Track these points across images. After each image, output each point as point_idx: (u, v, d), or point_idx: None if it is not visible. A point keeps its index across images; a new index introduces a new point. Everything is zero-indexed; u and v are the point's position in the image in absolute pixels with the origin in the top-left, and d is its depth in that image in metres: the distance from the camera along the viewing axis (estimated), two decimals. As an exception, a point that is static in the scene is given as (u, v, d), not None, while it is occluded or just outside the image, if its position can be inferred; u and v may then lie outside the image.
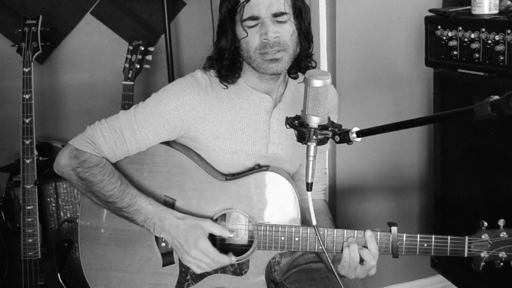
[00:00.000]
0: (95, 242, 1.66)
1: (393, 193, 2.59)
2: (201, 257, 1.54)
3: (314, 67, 1.72)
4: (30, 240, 2.24)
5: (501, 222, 1.48)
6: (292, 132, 1.68)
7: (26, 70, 2.25)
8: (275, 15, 1.55)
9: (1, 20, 2.50)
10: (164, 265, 1.64)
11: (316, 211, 1.78)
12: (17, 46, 2.30)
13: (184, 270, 1.63)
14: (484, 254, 1.48)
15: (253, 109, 1.67)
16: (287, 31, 1.57)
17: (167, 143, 1.66)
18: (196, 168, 1.62)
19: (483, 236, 1.48)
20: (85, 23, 2.59)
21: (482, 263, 1.48)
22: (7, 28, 2.49)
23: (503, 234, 1.47)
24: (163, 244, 1.64)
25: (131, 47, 2.40)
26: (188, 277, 1.63)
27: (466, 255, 1.49)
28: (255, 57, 1.58)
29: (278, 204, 1.59)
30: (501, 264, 1.48)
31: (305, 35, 1.64)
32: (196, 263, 1.55)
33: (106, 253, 1.66)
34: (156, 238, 1.64)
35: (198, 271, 1.57)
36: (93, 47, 2.61)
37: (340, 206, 2.51)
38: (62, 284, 2.28)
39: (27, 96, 2.23)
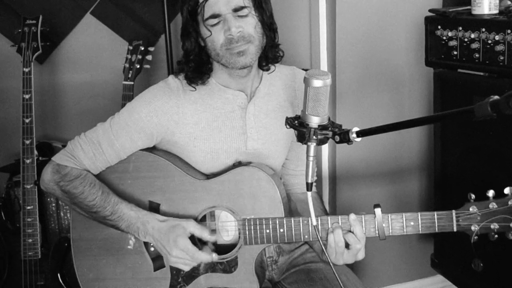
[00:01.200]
0: (87, 253, 1.68)
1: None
2: (182, 255, 1.55)
3: (282, 56, 1.73)
4: (30, 240, 2.24)
5: (490, 193, 1.42)
6: (271, 127, 1.70)
7: (26, 70, 2.25)
8: (235, 10, 1.56)
9: (1, 20, 2.50)
10: (155, 269, 1.65)
11: (306, 203, 1.79)
12: (17, 46, 2.30)
13: (176, 272, 1.64)
14: (474, 227, 1.43)
15: (227, 107, 1.68)
16: (249, 24, 1.58)
17: (148, 149, 1.68)
18: (177, 170, 1.63)
19: (470, 209, 1.43)
20: (85, 23, 2.59)
21: (475, 237, 1.43)
22: (7, 28, 2.48)
23: (493, 205, 1.41)
24: (152, 249, 1.65)
25: (131, 47, 2.40)
26: (180, 279, 1.64)
27: (455, 229, 1.45)
28: (222, 53, 1.59)
29: (260, 197, 1.59)
30: (495, 236, 1.43)
31: (268, 26, 1.64)
32: (179, 262, 1.57)
33: (99, 263, 1.68)
34: (145, 244, 1.65)
35: (186, 268, 1.59)
36: (93, 47, 2.61)
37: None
38: (62, 284, 2.28)
39: (27, 96, 2.23)
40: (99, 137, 1.64)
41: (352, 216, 1.52)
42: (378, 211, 1.50)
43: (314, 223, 1.42)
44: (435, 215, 1.47)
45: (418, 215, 1.48)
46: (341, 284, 1.44)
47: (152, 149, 1.69)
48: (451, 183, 2.18)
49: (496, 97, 1.15)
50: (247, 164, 1.65)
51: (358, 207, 2.48)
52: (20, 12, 2.45)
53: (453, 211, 1.45)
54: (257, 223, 1.57)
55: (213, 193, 1.61)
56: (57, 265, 2.28)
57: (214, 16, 1.57)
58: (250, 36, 1.58)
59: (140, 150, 1.67)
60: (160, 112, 1.62)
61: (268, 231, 1.56)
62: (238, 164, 1.67)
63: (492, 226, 1.42)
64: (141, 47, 2.39)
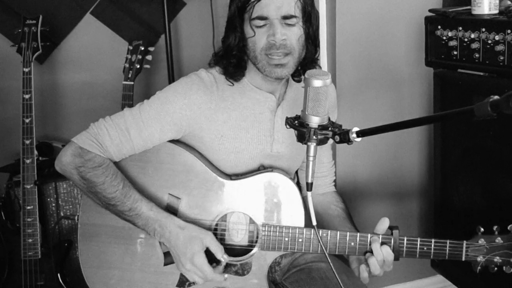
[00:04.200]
0: (94, 239, 1.65)
1: (393, 197, 2.59)
2: (195, 270, 1.54)
3: None
4: (30, 240, 2.24)
5: (495, 228, 1.52)
6: None
7: (26, 70, 2.25)
8: (285, 17, 1.55)
9: (1, 20, 2.50)
10: (165, 264, 1.63)
11: (327, 203, 1.80)
12: (17, 46, 2.30)
13: None
14: (480, 259, 1.53)
15: (258, 109, 1.67)
16: (294, 35, 1.57)
17: (173, 141, 1.66)
18: (202, 167, 1.62)
19: (480, 241, 1.52)
20: (85, 23, 2.59)
21: (479, 267, 1.53)
22: (7, 28, 2.49)
23: (498, 240, 1.52)
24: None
25: (131, 47, 2.40)
26: None
27: (463, 259, 1.54)
28: (260, 58, 1.58)
29: (282, 205, 1.59)
30: (495, 268, 1.53)
31: (312, 40, 1.64)
32: (189, 274, 1.57)
33: (106, 250, 1.64)
34: None
35: (191, 280, 1.59)
36: (93, 47, 2.61)
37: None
38: (62, 284, 2.28)
39: (27, 96, 2.23)
40: (127, 123, 1.58)
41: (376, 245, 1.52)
42: (396, 233, 1.53)
43: (315, 223, 1.42)
44: (448, 243, 1.53)
45: (432, 242, 1.53)
46: (341, 284, 1.44)
47: (177, 143, 1.66)
48: (451, 183, 2.18)
49: (496, 97, 1.15)
50: (272, 169, 1.64)
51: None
52: (20, 12, 2.45)
53: (464, 242, 1.53)
54: (277, 230, 1.56)
55: (235, 195, 1.61)
56: (57, 265, 2.28)
57: (262, 18, 1.55)
58: (291, 47, 1.57)
59: (166, 142, 1.64)
60: (194, 106, 1.60)
61: (287, 239, 1.56)
62: (262, 168, 1.67)
63: (495, 260, 1.52)
64: (141, 47, 2.39)
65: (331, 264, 1.45)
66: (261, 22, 1.56)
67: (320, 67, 1.74)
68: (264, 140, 1.68)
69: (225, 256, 1.56)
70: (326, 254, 1.45)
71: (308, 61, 1.66)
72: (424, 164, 2.60)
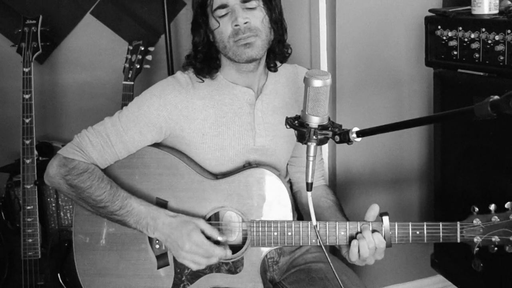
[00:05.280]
0: (89, 248, 1.67)
1: (393, 188, 2.59)
2: (196, 249, 1.54)
3: (289, 54, 1.74)
4: (30, 240, 2.24)
5: (492, 207, 1.47)
6: (278, 123, 1.70)
7: (26, 70, 2.25)
8: (244, 1, 1.58)
9: (1, 20, 2.50)
10: (158, 267, 1.64)
11: (317, 197, 1.80)
12: (17, 46, 2.30)
13: (179, 271, 1.63)
14: (477, 239, 1.47)
15: (236, 103, 1.68)
16: (257, 18, 1.59)
17: (157, 145, 1.67)
18: (187, 168, 1.63)
19: (474, 221, 1.47)
20: (85, 23, 2.59)
21: (476, 248, 1.47)
22: (7, 28, 2.48)
23: (495, 218, 1.46)
24: (157, 246, 1.64)
25: (131, 47, 2.40)
26: (184, 278, 1.63)
27: (459, 240, 1.49)
28: (229, 46, 1.60)
29: (270, 200, 1.60)
30: (495, 249, 1.48)
31: (277, 22, 1.65)
32: (191, 258, 1.55)
33: (101, 258, 1.67)
34: (150, 241, 1.65)
35: (194, 267, 1.57)
36: (93, 47, 2.61)
37: (340, 200, 2.51)
38: (62, 284, 2.28)
39: (27, 96, 2.23)
40: (107, 129, 1.62)
41: (367, 233, 1.51)
42: (386, 219, 1.52)
43: (314, 223, 1.42)
44: (441, 225, 1.50)
45: (424, 225, 1.50)
46: (341, 284, 1.44)
47: (162, 146, 1.68)
48: (451, 184, 2.18)
49: (496, 97, 1.15)
50: (257, 165, 1.65)
51: (358, 212, 2.48)
52: (20, 12, 2.45)
53: (458, 223, 1.49)
54: (265, 225, 1.57)
55: (222, 193, 1.61)
56: (57, 265, 2.28)
57: (222, 6, 1.58)
58: (256, 29, 1.59)
59: (150, 146, 1.66)
60: (170, 106, 1.62)
61: (276, 233, 1.56)
62: (248, 165, 1.67)
63: (493, 239, 1.47)
64: (141, 47, 2.39)
65: (331, 264, 1.45)
66: (223, 11, 1.58)
67: (290, 49, 1.75)
68: (246, 134, 1.69)
69: (222, 237, 1.57)
70: (323, 247, 1.45)
71: (276, 42, 1.68)
72: (424, 161, 2.60)
